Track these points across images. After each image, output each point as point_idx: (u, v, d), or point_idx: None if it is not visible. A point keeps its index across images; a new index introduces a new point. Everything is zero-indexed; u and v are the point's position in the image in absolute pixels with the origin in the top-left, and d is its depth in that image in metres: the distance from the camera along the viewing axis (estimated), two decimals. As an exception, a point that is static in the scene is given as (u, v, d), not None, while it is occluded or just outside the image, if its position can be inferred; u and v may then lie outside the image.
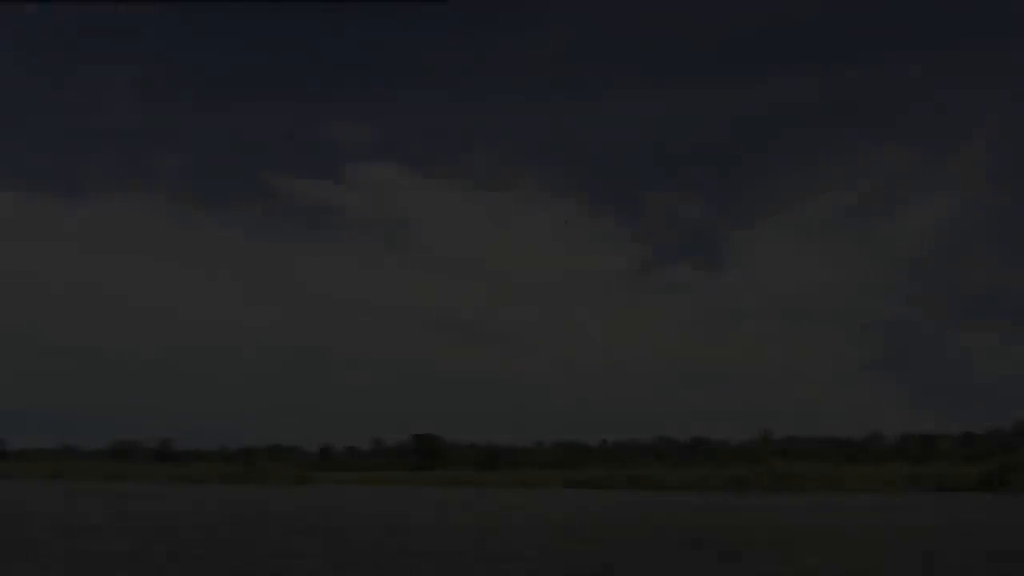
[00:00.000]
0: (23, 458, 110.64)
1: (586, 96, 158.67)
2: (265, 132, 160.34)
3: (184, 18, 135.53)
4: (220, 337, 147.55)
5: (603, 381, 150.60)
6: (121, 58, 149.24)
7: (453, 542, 10.39)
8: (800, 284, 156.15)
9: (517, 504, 26.98)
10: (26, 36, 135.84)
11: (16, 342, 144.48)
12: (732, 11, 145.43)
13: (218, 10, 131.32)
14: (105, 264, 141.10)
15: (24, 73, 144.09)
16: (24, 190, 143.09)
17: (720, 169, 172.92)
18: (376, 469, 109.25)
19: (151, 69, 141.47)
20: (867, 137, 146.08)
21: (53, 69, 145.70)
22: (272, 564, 9.25)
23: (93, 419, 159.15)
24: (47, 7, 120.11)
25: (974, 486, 57.61)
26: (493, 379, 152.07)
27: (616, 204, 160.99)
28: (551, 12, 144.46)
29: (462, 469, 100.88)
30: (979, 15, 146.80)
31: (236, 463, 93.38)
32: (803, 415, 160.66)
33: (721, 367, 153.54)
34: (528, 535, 11.44)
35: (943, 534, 15.52)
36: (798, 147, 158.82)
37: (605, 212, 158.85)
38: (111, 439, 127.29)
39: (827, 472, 63.26)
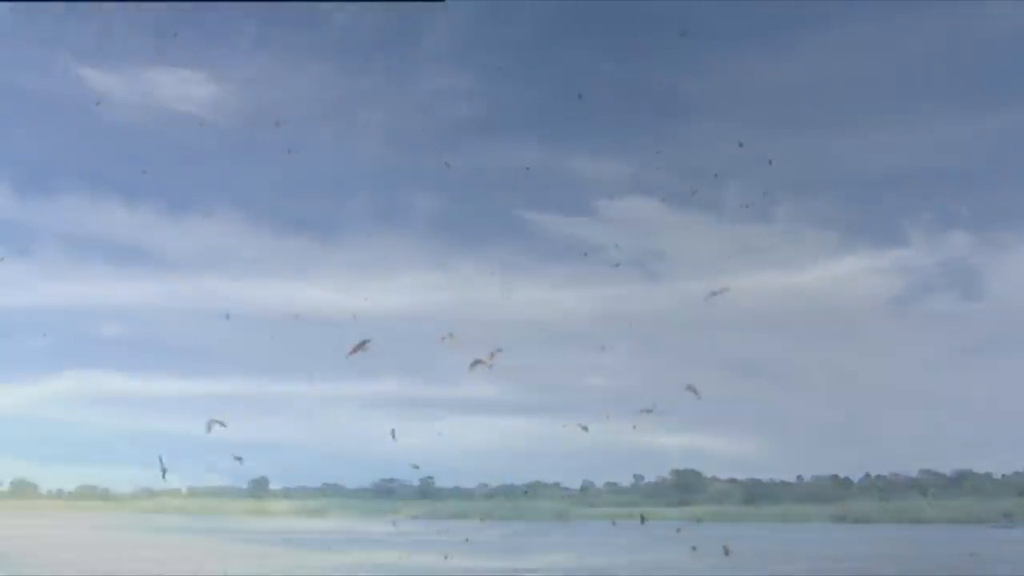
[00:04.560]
0: (285, 496, 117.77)
1: (843, 126, 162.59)
2: (518, 169, 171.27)
3: (428, 60, 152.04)
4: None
5: (864, 413, 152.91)
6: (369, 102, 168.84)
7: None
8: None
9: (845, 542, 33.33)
10: (278, 90, 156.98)
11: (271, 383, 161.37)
12: (986, 37, 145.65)
13: (464, 50, 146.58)
14: (362, 305, 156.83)
15: (278, 122, 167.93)
16: (281, 232, 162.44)
17: (981, 196, 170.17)
18: (633, 505, 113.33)
19: (398, 112, 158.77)
20: None
21: (306, 117, 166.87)
22: None
23: (356, 458, 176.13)
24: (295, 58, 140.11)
25: None
26: (751, 413, 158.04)
27: (875, 235, 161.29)
28: (808, 44, 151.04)
29: (720, 504, 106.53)
30: None
31: (497, 499, 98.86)
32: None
33: (985, 397, 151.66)
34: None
35: None
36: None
37: (864, 243, 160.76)
38: (372, 478, 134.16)
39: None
